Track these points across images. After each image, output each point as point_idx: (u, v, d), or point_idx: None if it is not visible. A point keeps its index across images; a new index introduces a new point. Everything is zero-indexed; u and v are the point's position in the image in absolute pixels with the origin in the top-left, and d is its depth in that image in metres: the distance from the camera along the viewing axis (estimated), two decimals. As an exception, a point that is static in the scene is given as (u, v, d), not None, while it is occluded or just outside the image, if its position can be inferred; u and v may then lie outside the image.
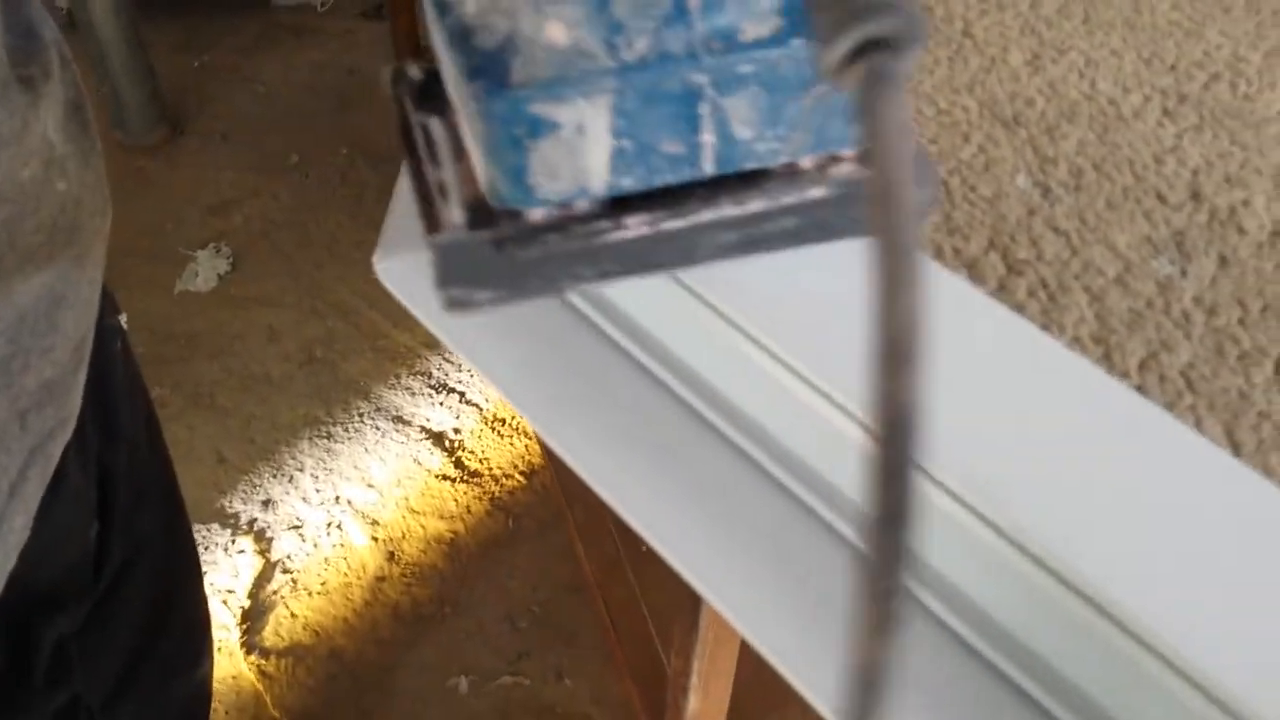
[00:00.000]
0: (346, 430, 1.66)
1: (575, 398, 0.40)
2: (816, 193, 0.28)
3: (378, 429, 1.67)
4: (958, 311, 0.36)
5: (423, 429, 1.67)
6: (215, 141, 2.13)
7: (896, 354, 0.15)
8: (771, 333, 0.33)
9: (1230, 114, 0.45)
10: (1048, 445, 0.32)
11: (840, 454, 0.35)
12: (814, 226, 0.29)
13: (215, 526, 1.53)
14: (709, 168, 0.27)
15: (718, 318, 0.34)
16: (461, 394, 1.73)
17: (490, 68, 0.25)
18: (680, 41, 0.25)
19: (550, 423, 0.40)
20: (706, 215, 0.28)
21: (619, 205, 0.28)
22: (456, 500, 1.59)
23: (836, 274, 0.32)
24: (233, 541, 1.52)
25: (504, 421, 1.69)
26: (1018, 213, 0.41)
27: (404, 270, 0.45)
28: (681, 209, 0.28)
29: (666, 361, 0.40)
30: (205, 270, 1.86)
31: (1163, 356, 0.36)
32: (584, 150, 0.26)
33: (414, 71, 0.33)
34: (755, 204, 0.28)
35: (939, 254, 0.40)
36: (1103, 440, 0.32)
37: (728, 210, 0.28)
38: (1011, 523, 0.30)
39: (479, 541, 1.55)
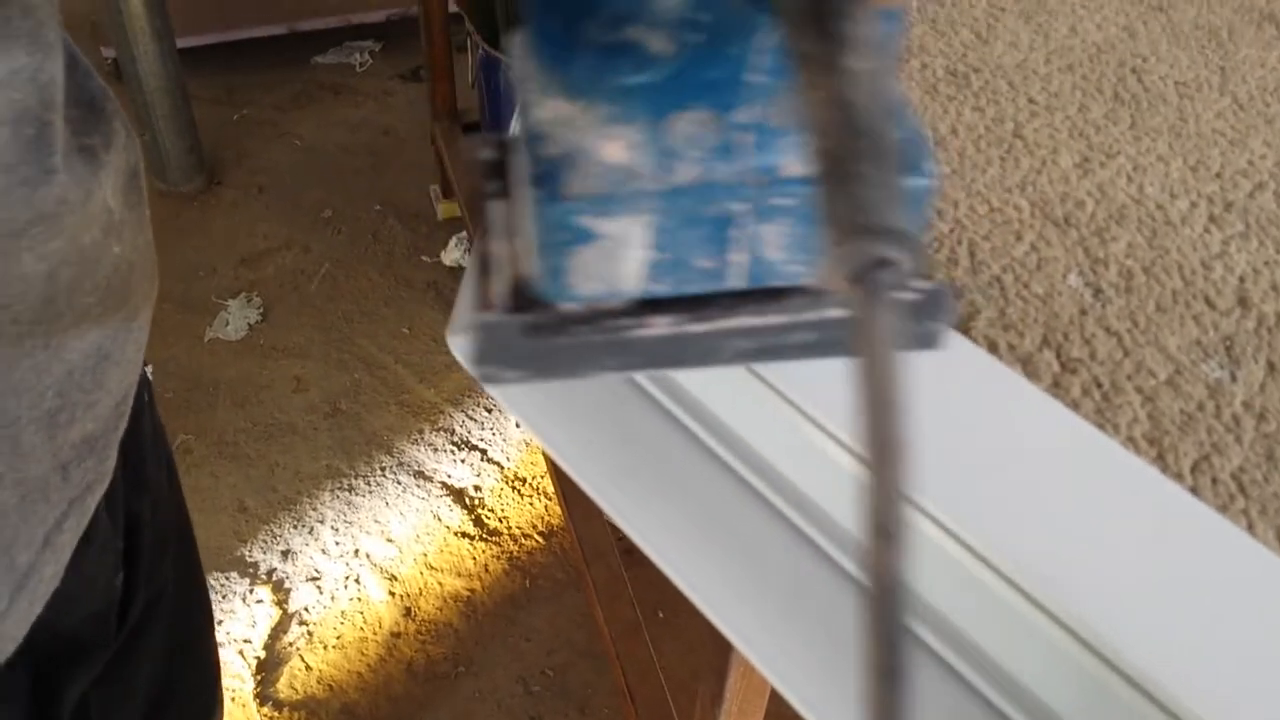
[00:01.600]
0: (368, 483, 1.67)
1: (611, 447, 0.41)
2: (835, 312, 0.29)
3: (399, 483, 1.68)
4: (1015, 407, 0.37)
5: (444, 485, 1.68)
6: (252, 193, 2.17)
7: (882, 530, 0.17)
8: (809, 397, 0.34)
9: (1275, 223, 0.47)
10: (1105, 543, 0.33)
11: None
12: (830, 343, 0.30)
13: (234, 575, 1.54)
14: (736, 282, 0.29)
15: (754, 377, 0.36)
16: (483, 451, 1.74)
17: (549, 177, 0.27)
18: (725, 172, 0.27)
19: (600, 484, 0.41)
20: (728, 323, 0.29)
21: (647, 304, 0.30)
22: (475, 558, 1.59)
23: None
24: (251, 591, 1.52)
25: (524, 481, 1.70)
26: (1070, 311, 0.43)
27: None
28: (705, 315, 0.29)
29: (715, 429, 0.41)
30: (236, 319, 1.88)
31: (1214, 460, 0.38)
32: (622, 259, 0.28)
33: (488, 151, 0.35)
34: (775, 317, 0.29)
35: (994, 349, 0.42)
36: (1158, 540, 0.33)
37: (749, 320, 0.29)
38: (1068, 614, 0.31)
39: (496, 601, 1.54)
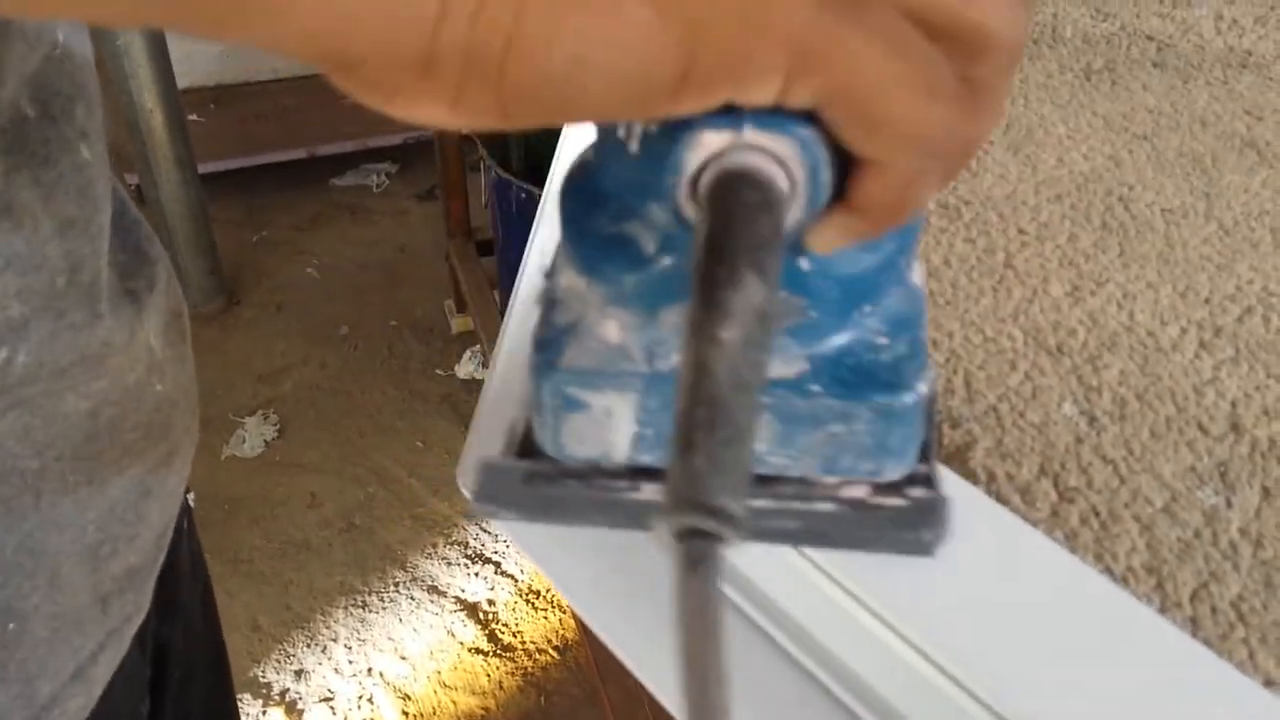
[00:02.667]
0: (381, 599, 1.67)
1: (630, 597, 0.42)
2: (822, 506, 0.30)
3: (413, 599, 1.67)
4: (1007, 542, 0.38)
5: (457, 600, 1.67)
6: (270, 312, 2.21)
7: None
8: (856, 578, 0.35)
9: (1264, 347, 0.48)
10: (1100, 686, 0.33)
11: (887, 672, 0.36)
12: (815, 534, 0.31)
13: (247, 696, 1.52)
14: None
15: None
16: (497, 564, 1.74)
17: (551, 344, 0.29)
18: None
19: (612, 625, 0.41)
20: None
21: (641, 471, 0.31)
22: (489, 675, 1.58)
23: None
24: (264, 713, 1.51)
25: (539, 594, 1.69)
26: (1066, 440, 0.44)
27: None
28: None
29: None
30: (253, 437, 1.90)
31: (1213, 588, 0.38)
32: (610, 428, 0.30)
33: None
34: (762, 502, 0.30)
35: (992, 479, 0.43)
36: (1157, 681, 0.33)
37: None
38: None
39: (510, 719, 1.52)
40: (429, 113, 0.20)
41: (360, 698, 1.54)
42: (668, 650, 0.40)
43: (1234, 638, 0.37)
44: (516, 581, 1.72)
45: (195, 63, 2.47)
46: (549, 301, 0.29)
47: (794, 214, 0.23)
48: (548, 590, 1.70)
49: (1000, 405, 0.45)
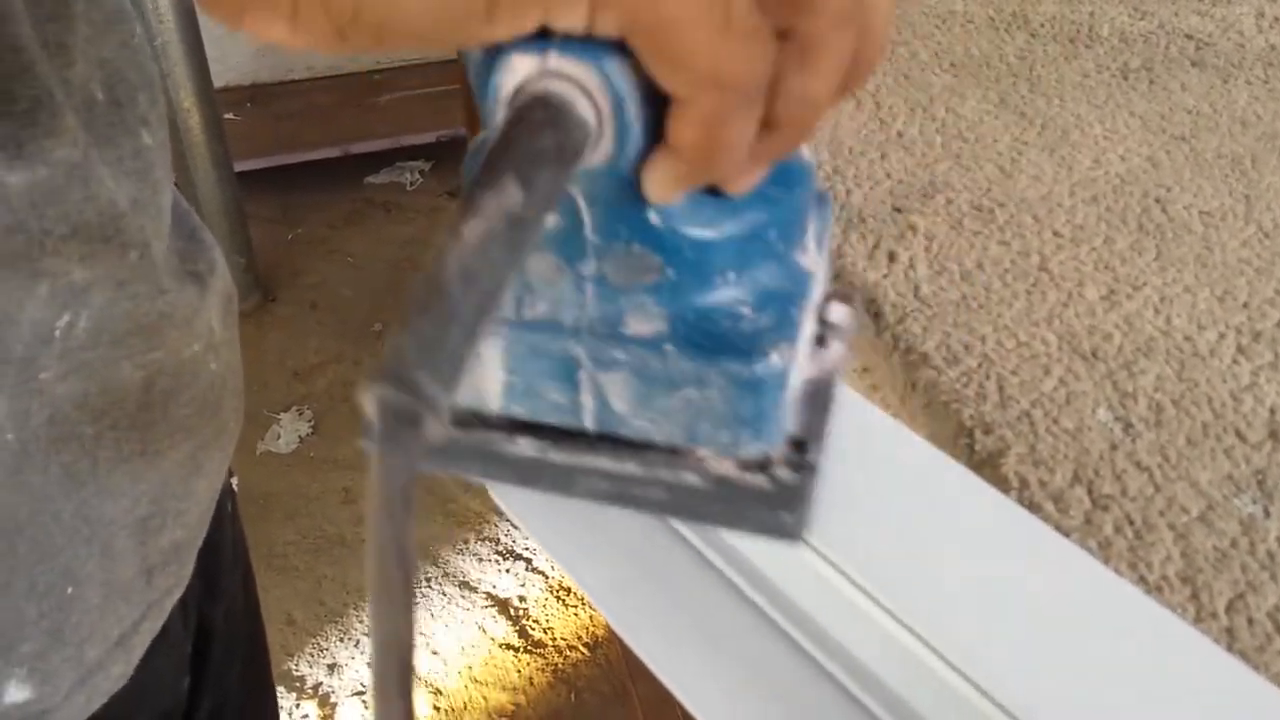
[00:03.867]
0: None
1: (658, 602, 0.42)
2: (689, 478, 0.30)
3: (444, 594, 1.68)
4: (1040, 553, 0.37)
5: (488, 595, 1.68)
6: (304, 309, 2.23)
7: (382, 686, 0.19)
8: (843, 552, 0.35)
9: (1303, 353, 0.48)
10: (1130, 699, 0.33)
11: (915, 677, 0.36)
12: (682, 506, 0.31)
13: (281, 689, 1.54)
14: (589, 423, 0.30)
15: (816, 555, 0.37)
16: (528, 561, 1.74)
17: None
18: (570, 316, 0.28)
19: (637, 630, 0.41)
20: (585, 460, 0.30)
21: (520, 425, 0.31)
22: (520, 671, 1.58)
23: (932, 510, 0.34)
24: (297, 706, 1.52)
25: (569, 591, 1.69)
26: (1100, 447, 0.44)
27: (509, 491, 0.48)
28: (566, 447, 0.31)
29: (764, 590, 0.42)
30: (287, 432, 1.92)
31: (1250, 598, 0.38)
32: (481, 375, 0.30)
33: None
34: (629, 466, 0.30)
35: (1025, 485, 0.42)
36: (1187, 689, 0.33)
37: (603, 463, 0.30)
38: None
39: (540, 716, 1.53)
40: (273, 30, 0.22)
41: (392, 692, 1.55)
42: (689, 652, 0.40)
43: (1271, 649, 0.36)
44: (547, 578, 1.72)
45: (231, 62, 2.49)
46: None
47: (604, 149, 0.24)
48: (578, 586, 1.70)
49: (1033, 411, 0.45)
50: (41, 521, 0.38)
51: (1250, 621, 0.37)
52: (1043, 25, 0.77)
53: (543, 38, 0.22)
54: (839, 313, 0.33)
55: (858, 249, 0.54)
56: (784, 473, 0.30)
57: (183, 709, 0.55)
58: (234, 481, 0.61)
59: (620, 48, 0.22)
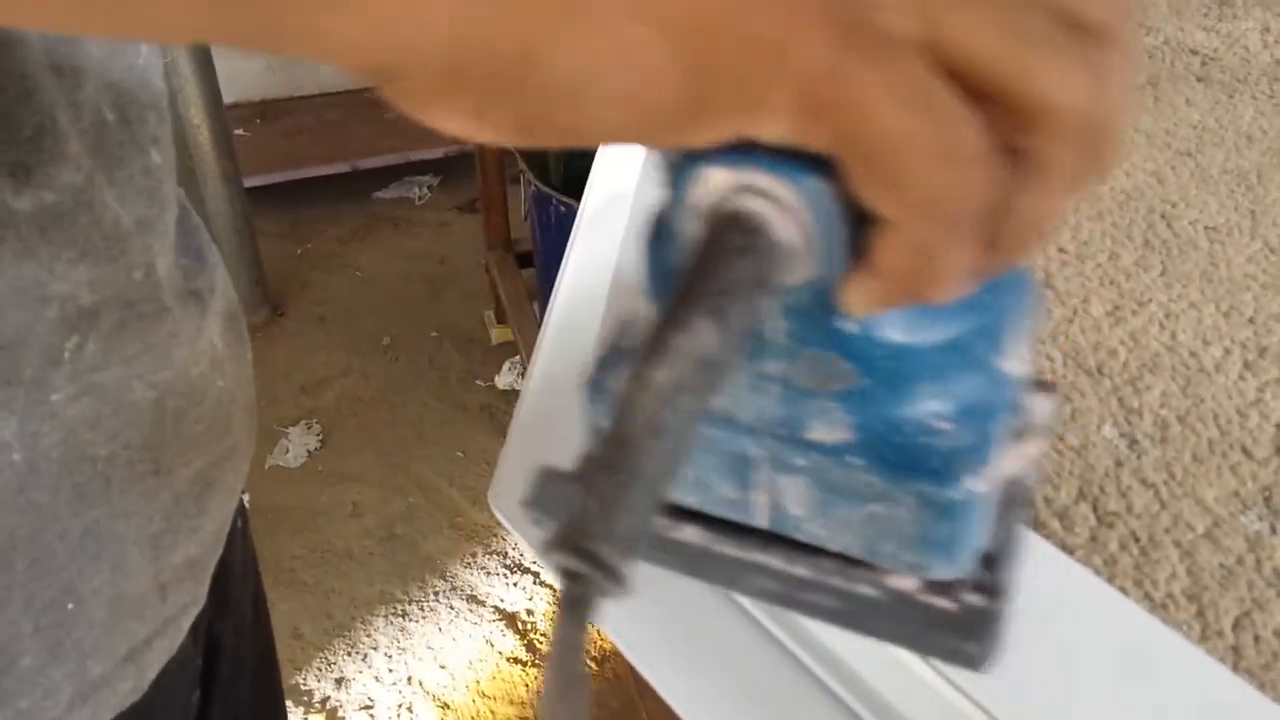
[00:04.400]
0: (421, 609, 1.68)
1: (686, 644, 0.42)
2: (864, 590, 0.28)
3: (452, 608, 1.68)
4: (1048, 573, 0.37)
5: (496, 609, 1.68)
6: (313, 323, 2.24)
7: None
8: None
9: (1310, 369, 0.47)
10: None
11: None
12: (852, 616, 0.29)
13: (289, 703, 1.54)
14: (760, 522, 0.28)
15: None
16: (536, 574, 1.74)
17: (607, 364, 0.28)
18: (749, 414, 0.27)
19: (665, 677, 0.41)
20: (754, 556, 0.29)
21: (689, 513, 0.29)
22: (527, 685, 1.58)
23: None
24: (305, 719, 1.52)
25: (577, 606, 1.69)
26: (1106, 463, 0.44)
27: (518, 506, 0.48)
28: (736, 540, 0.29)
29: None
30: (296, 446, 1.92)
31: (1256, 616, 0.38)
32: None
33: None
34: (800, 570, 0.28)
35: (1031, 503, 0.42)
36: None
37: (773, 562, 0.29)
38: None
39: (548, 730, 1.53)
40: (459, 125, 0.21)
41: (400, 706, 1.55)
42: (693, 672, 0.40)
43: (1278, 668, 0.36)
44: (555, 591, 1.72)
45: (241, 78, 2.51)
46: (621, 324, 0.29)
47: (805, 268, 0.22)
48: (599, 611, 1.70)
49: (1039, 427, 0.45)
50: (44, 539, 0.39)
51: (1256, 639, 0.37)
52: (1048, 41, 0.77)
53: (744, 149, 0.21)
54: (1038, 406, 0.31)
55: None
56: (971, 596, 0.27)
57: None
58: (245, 498, 0.61)
59: (826, 162, 0.20)
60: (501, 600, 1.70)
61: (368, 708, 1.54)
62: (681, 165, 0.22)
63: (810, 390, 0.26)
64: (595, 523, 0.18)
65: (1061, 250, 0.56)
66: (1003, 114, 0.20)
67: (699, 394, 0.20)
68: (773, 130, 0.20)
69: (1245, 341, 0.49)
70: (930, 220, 0.20)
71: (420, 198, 2.61)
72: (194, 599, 0.47)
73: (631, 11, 0.19)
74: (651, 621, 0.41)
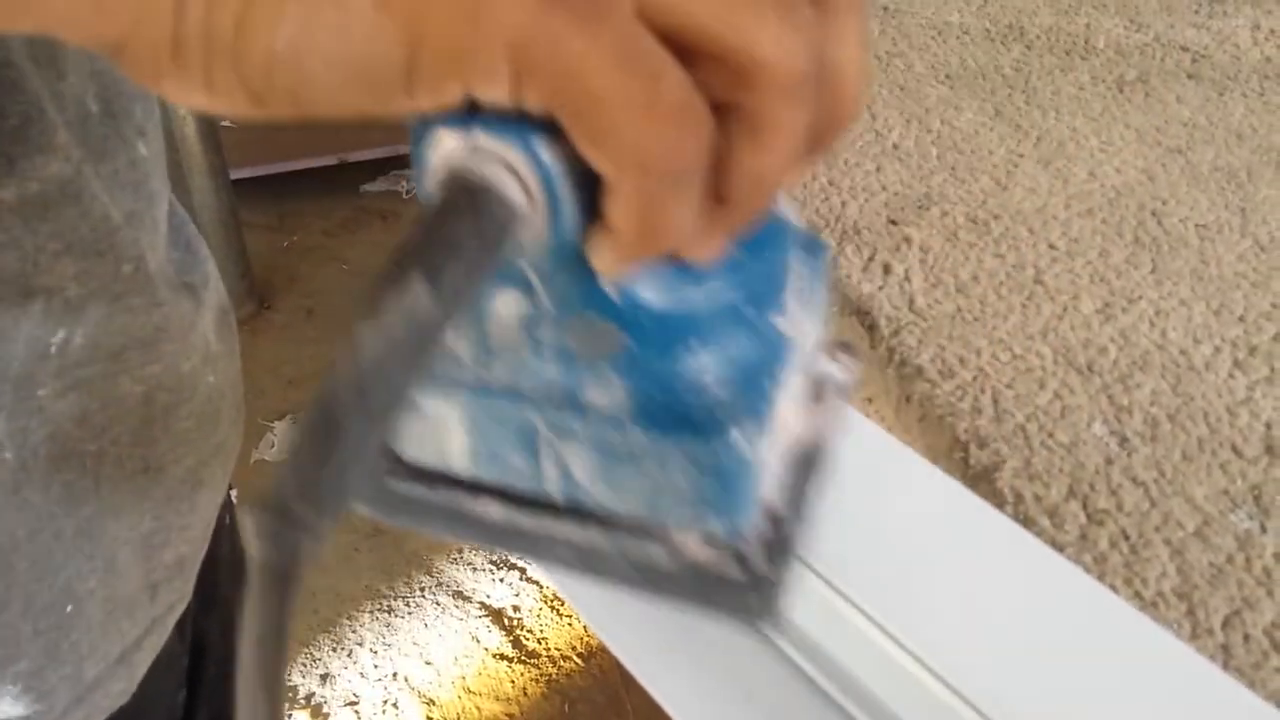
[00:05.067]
0: (407, 604, 1.67)
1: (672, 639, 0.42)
2: (659, 559, 0.28)
3: (438, 604, 1.67)
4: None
5: (482, 605, 1.67)
6: (300, 317, 2.23)
7: None
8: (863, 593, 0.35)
9: (1299, 367, 0.47)
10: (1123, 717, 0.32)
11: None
12: (653, 585, 0.29)
13: (273, 700, 1.53)
14: (554, 491, 0.29)
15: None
16: (522, 570, 1.74)
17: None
18: (530, 383, 0.27)
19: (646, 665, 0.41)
20: (551, 528, 0.29)
21: (486, 489, 0.30)
22: (513, 681, 1.58)
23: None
24: (290, 716, 1.51)
25: (563, 601, 1.69)
26: (1096, 461, 0.43)
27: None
28: (533, 513, 0.29)
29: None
30: (282, 441, 1.91)
31: (1246, 615, 0.37)
32: (444, 438, 0.29)
33: None
34: (595, 538, 0.29)
35: (1020, 500, 0.42)
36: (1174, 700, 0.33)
37: (569, 532, 0.29)
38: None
39: (534, 726, 1.52)
40: (192, 97, 0.21)
41: (385, 703, 1.54)
42: (679, 665, 0.39)
43: (1267, 666, 0.36)
44: (541, 588, 1.72)
45: (229, 69, 2.49)
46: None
47: (537, 230, 0.23)
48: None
49: (1028, 425, 0.45)
50: (42, 539, 0.38)
51: (1246, 638, 0.37)
52: (1038, 37, 0.77)
53: (471, 112, 0.21)
54: (837, 367, 0.31)
55: (853, 261, 0.54)
56: (758, 560, 0.28)
57: None
58: (233, 494, 0.61)
59: (552, 122, 0.21)
60: (488, 596, 1.69)
61: (353, 704, 1.53)
62: (419, 130, 0.23)
63: (584, 356, 0.26)
64: (294, 485, 0.19)
65: (1052, 247, 0.55)
66: (716, 71, 0.20)
67: (411, 354, 0.20)
68: (491, 93, 0.20)
69: (1235, 339, 0.49)
70: (646, 175, 0.21)
71: (408, 191, 2.60)
72: (181, 597, 0.47)
73: None
74: (637, 616, 0.41)
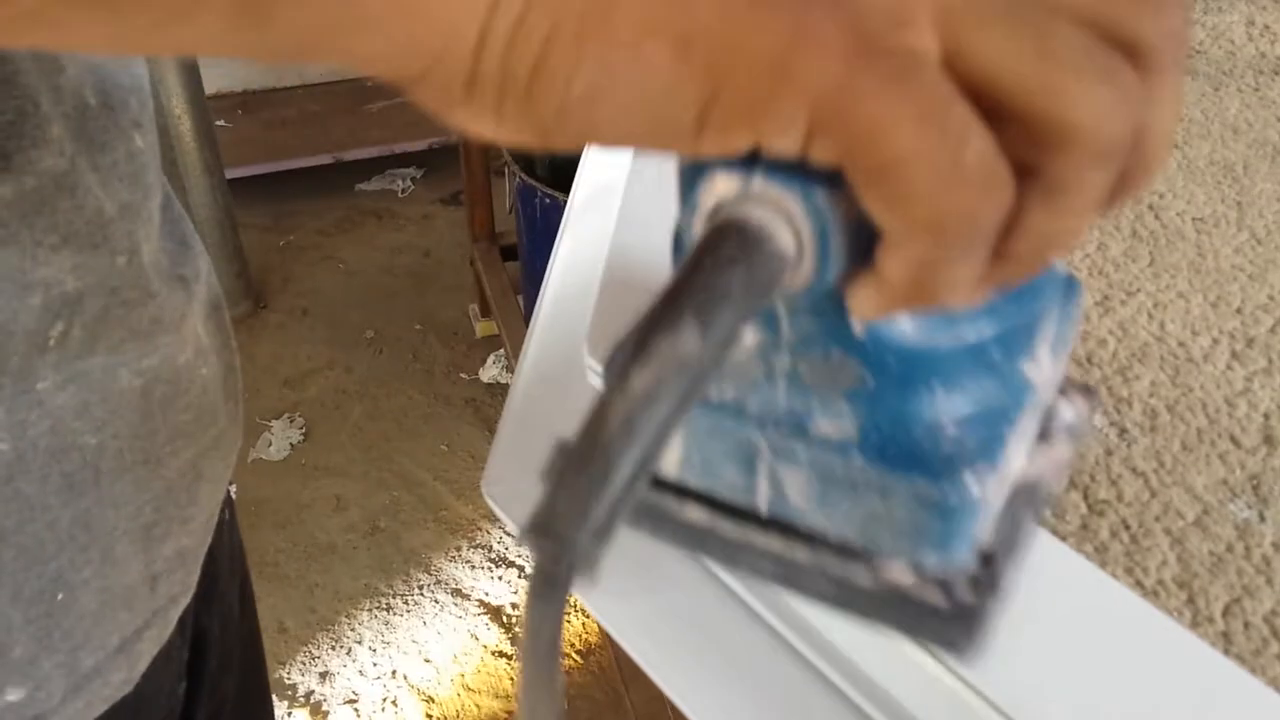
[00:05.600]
0: (406, 602, 1.67)
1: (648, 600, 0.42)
2: (860, 579, 0.28)
3: (436, 602, 1.68)
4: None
5: (481, 603, 1.67)
6: (296, 316, 2.23)
7: None
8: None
9: (1297, 358, 0.48)
10: (1127, 704, 0.33)
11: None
12: (846, 602, 0.29)
13: (273, 697, 1.53)
14: (763, 508, 0.29)
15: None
16: (520, 568, 1.74)
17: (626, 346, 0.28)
18: (756, 404, 0.27)
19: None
20: (755, 539, 0.29)
21: (692, 494, 0.30)
22: (512, 678, 1.58)
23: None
24: (289, 714, 1.52)
25: (562, 599, 1.69)
26: (1096, 452, 0.44)
27: (509, 495, 0.48)
28: (737, 522, 0.30)
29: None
30: (279, 440, 1.92)
31: (1246, 603, 0.38)
32: None
33: None
34: (800, 555, 0.29)
35: (1022, 491, 0.42)
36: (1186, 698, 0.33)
37: (772, 546, 0.29)
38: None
39: (533, 724, 1.53)
40: (477, 126, 0.22)
41: (384, 700, 1.55)
42: (685, 656, 0.40)
43: (1268, 654, 0.36)
44: (526, 575, 1.72)
45: (223, 68, 2.49)
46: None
47: (803, 277, 0.22)
48: (570, 595, 1.70)
49: (1029, 416, 0.45)
50: (32, 529, 0.38)
51: (1246, 625, 0.37)
52: (1035, 33, 0.78)
53: (752, 158, 0.21)
54: (1071, 410, 0.30)
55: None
56: (963, 590, 0.28)
57: (178, 717, 0.55)
58: (232, 489, 0.61)
59: (832, 174, 0.20)
60: (486, 594, 1.69)
61: (352, 701, 1.53)
62: (693, 172, 0.23)
63: (818, 387, 0.26)
64: (569, 514, 0.19)
65: (1050, 240, 0.56)
66: (1023, 132, 0.20)
67: (678, 397, 0.20)
68: (782, 143, 0.20)
69: (1233, 331, 0.50)
70: (934, 238, 0.20)
71: (404, 190, 2.60)
72: (183, 589, 0.47)
73: (646, 27, 0.19)
74: (642, 607, 0.41)
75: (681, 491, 0.30)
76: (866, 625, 0.30)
